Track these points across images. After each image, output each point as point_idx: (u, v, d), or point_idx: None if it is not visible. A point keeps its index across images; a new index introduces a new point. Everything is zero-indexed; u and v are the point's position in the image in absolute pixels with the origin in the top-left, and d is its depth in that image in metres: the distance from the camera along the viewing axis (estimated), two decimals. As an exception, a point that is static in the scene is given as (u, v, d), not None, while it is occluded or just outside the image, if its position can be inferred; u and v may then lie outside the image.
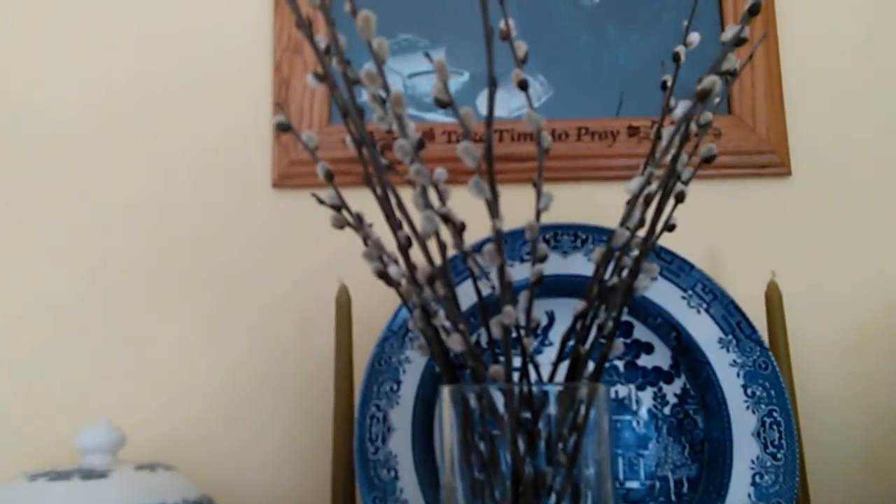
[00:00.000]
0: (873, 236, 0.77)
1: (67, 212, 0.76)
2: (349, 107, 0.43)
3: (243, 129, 0.78)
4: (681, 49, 0.49)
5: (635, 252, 0.46)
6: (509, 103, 0.78)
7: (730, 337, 0.63)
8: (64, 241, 0.76)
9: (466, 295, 0.47)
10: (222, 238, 0.76)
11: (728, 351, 0.62)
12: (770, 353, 0.62)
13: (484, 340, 0.45)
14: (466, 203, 0.46)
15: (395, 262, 0.46)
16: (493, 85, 0.39)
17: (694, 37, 0.49)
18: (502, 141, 0.77)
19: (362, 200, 0.49)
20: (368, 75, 0.41)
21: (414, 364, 0.61)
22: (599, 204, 0.73)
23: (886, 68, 0.80)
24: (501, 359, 0.43)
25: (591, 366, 0.46)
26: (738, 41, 0.43)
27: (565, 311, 0.64)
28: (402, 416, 0.60)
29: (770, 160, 0.77)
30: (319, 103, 0.78)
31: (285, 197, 0.77)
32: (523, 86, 0.43)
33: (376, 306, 0.65)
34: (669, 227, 0.48)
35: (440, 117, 0.78)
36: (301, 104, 0.78)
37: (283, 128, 0.46)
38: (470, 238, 0.45)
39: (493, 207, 0.41)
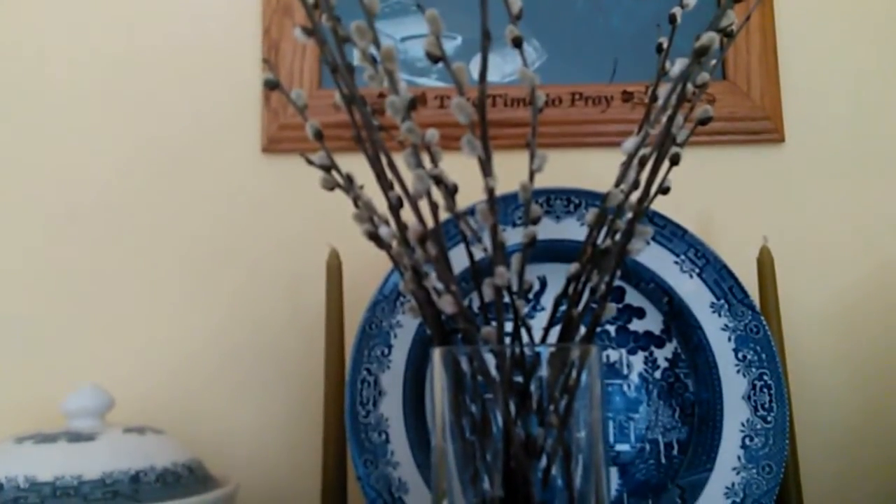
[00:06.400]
0: (865, 202, 0.77)
1: (53, 176, 0.75)
2: (339, 63, 0.42)
3: (232, 93, 0.77)
4: (677, 10, 0.48)
5: (629, 214, 0.45)
6: (502, 68, 0.77)
7: (722, 301, 0.63)
8: (50, 204, 0.75)
9: (458, 260, 0.46)
10: (212, 203, 0.76)
11: (720, 315, 0.63)
12: (761, 318, 0.62)
13: (476, 306, 0.45)
14: (458, 170, 0.45)
15: (386, 223, 0.46)
16: (486, 38, 0.38)
17: (690, -2, 0.48)
18: (495, 106, 0.76)
19: (353, 166, 0.48)
20: (359, 30, 0.40)
21: (405, 328, 0.61)
22: (593, 170, 0.72)
23: (881, 36, 0.80)
24: (493, 322, 0.43)
25: (582, 330, 0.45)
26: (737, -4, 0.42)
27: (557, 276, 0.64)
28: (393, 379, 0.60)
29: (764, 126, 0.77)
30: (309, 66, 0.77)
31: (275, 161, 0.76)
32: (518, 42, 0.42)
33: (367, 271, 0.65)
34: (664, 190, 0.47)
35: (432, 82, 0.77)
36: (291, 67, 0.77)
37: (271, 85, 0.45)
38: (461, 205, 0.45)
39: (486, 166, 0.41)
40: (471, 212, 0.45)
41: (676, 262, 0.63)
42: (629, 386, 0.65)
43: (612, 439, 0.64)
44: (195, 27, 0.78)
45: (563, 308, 0.46)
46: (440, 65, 0.41)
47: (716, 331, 0.62)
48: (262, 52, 0.77)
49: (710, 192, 0.76)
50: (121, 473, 0.53)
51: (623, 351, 0.65)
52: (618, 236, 0.45)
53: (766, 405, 0.61)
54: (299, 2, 0.43)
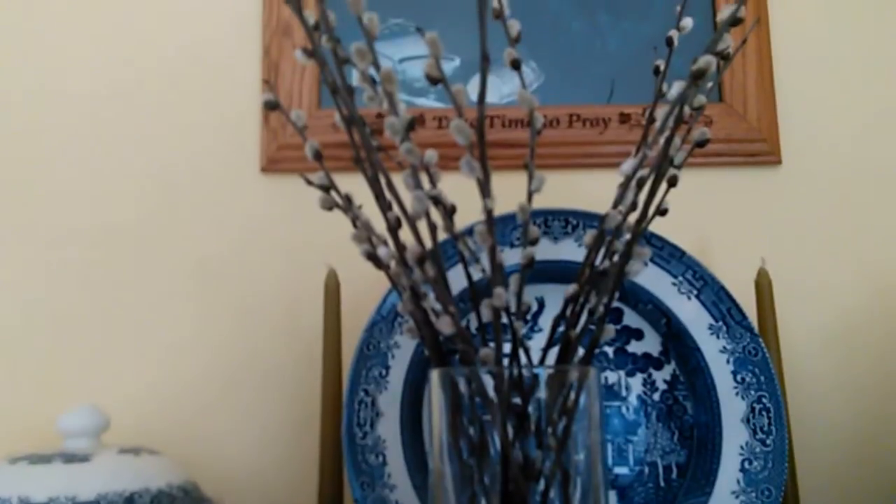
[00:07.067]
0: (862, 224, 0.77)
1: (51, 193, 0.75)
2: (339, 84, 0.42)
3: (232, 113, 0.77)
4: (674, 33, 0.49)
5: (627, 236, 0.45)
6: (500, 89, 0.78)
7: (720, 323, 0.62)
8: (47, 221, 0.75)
9: (456, 281, 0.46)
10: (211, 222, 0.76)
11: (718, 337, 0.62)
12: (760, 340, 0.62)
13: (474, 326, 0.45)
14: (456, 191, 0.45)
15: (385, 243, 0.46)
16: (485, 60, 0.38)
17: (687, 21, 0.49)
18: (493, 127, 0.77)
19: (352, 186, 0.48)
20: (358, 51, 0.40)
21: (403, 349, 0.61)
22: (590, 191, 0.73)
23: (877, 57, 0.80)
24: (491, 343, 0.42)
25: (581, 352, 0.45)
26: (735, 21, 0.42)
27: (555, 297, 0.64)
28: (390, 401, 0.60)
29: (760, 148, 0.77)
30: (309, 87, 0.77)
31: (274, 181, 0.76)
32: (516, 65, 0.43)
33: (365, 291, 0.65)
34: (661, 212, 0.47)
35: (431, 102, 0.78)
36: (290, 88, 0.77)
37: (270, 106, 0.46)
38: (460, 225, 0.45)
39: (485, 187, 0.41)
40: (469, 232, 0.45)
41: (674, 284, 0.63)
42: (628, 408, 0.65)
43: (610, 462, 0.63)
44: (195, 47, 0.78)
45: (561, 329, 0.45)
46: (439, 86, 0.41)
47: (714, 353, 0.62)
48: (262, 73, 0.77)
49: (708, 213, 0.76)
50: (115, 495, 0.52)
51: (621, 373, 0.65)
52: (616, 257, 0.45)
53: (765, 428, 0.61)
54: (299, 23, 0.43)
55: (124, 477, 0.54)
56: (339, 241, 0.55)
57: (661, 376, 0.65)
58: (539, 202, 0.46)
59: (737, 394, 0.62)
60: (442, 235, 0.45)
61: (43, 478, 0.53)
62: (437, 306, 0.43)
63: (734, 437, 0.61)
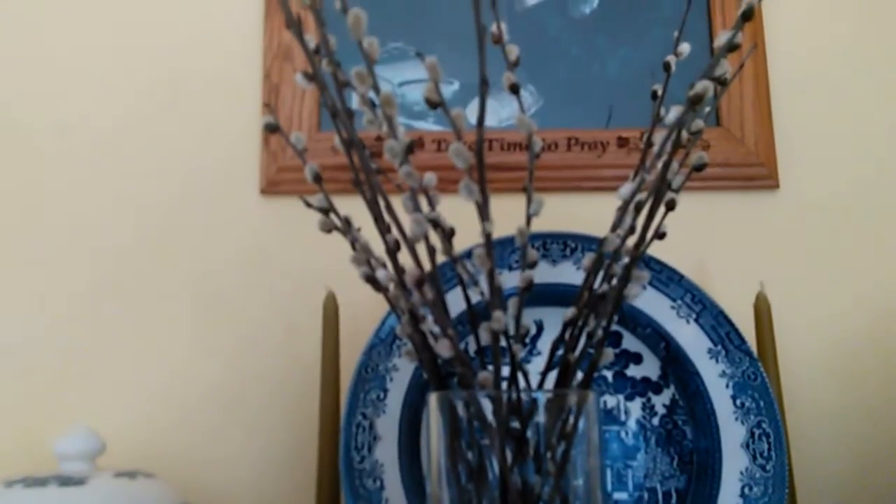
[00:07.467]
0: (860, 248, 0.77)
1: (49, 216, 0.76)
2: (339, 108, 0.43)
3: (232, 135, 0.78)
4: (671, 58, 0.49)
5: (625, 259, 0.45)
6: (499, 113, 0.78)
7: (719, 347, 0.62)
8: (44, 244, 0.75)
9: (455, 304, 0.46)
10: (210, 244, 0.76)
11: (717, 361, 0.62)
12: (759, 364, 0.62)
13: (472, 350, 0.45)
14: (455, 213, 0.45)
15: (384, 266, 0.46)
16: (484, 84, 0.38)
17: (684, 47, 0.49)
18: (492, 150, 0.77)
19: (351, 209, 0.49)
20: (358, 75, 0.41)
21: (401, 372, 0.61)
22: (589, 215, 0.73)
23: (874, 81, 0.81)
24: (490, 367, 0.42)
25: (579, 376, 0.45)
26: (732, 47, 0.43)
27: (554, 320, 0.64)
28: (388, 424, 0.60)
29: (758, 172, 0.77)
30: (309, 110, 0.78)
31: (274, 203, 0.76)
32: (515, 89, 0.43)
33: (364, 314, 0.65)
34: (660, 235, 0.48)
35: (430, 126, 0.78)
36: (290, 111, 0.77)
37: (271, 128, 0.46)
38: (458, 248, 0.45)
39: (483, 210, 0.41)
40: (468, 255, 0.45)
41: (673, 308, 0.63)
42: (627, 433, 0.64)
43: (609, 487, 0.63)
44: (196, 70, 0.79)
45: (559, 353, 0.45)
46: (438, 109, 0.42)
47: (713, 377, 0.62)
48: (263, 96, 0.78)
49: (706, 238, 0.76)
50: (110, 519, 0.52)
51: (620, 397, 0.65)
52: (614, 281, 0.45)
53: (765, 453, 0.60)
54: (300, 47, 0.43)
55: (120, 500, 0.54)
56: (337, 263, 0.55)
57: (661, 401, 0.65)
58: (538, 225, 0.46)
59: (736, 419, 0.61)
60: (441, 258, 0.45)
61: (38, 501, 0.52)
62: (436, 329, 0.42)
63: (734, 462, 0.60)
